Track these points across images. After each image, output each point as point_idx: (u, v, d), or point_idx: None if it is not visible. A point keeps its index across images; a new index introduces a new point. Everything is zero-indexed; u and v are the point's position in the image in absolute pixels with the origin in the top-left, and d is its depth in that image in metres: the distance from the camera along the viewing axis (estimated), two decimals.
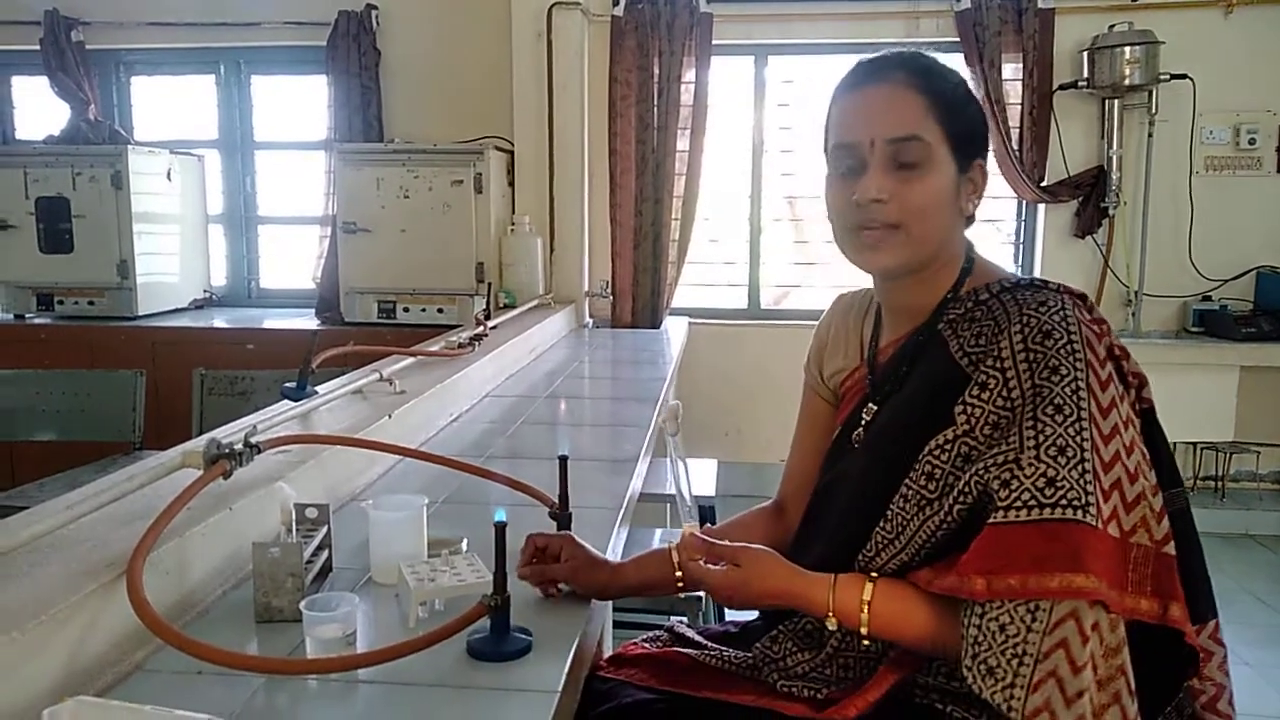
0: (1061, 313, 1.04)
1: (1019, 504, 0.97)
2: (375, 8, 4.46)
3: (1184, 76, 4.01)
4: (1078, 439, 0.97)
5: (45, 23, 4.56)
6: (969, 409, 1.04)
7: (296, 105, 4.82)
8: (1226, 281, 4.20)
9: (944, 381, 1.08)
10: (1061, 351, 1.01)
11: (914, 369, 1.16)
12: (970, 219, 1.18)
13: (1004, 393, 1.03)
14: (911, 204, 1.10)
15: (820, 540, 1.20)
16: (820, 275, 4.57)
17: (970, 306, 1.12)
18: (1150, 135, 4.12)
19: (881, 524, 1.09)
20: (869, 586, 1.06)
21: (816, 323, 1.39)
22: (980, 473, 1.01)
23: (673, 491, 2.68)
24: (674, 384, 3.32)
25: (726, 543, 1.13)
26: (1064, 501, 0.95)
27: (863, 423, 1.21)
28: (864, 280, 1.26)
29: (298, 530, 1.22)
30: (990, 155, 1.20)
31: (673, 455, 1.26)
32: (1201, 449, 4.22)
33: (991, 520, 0.98)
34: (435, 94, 4.52)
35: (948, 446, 1.05)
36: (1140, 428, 1.05)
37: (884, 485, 1.10)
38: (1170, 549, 0.99)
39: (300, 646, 1.04)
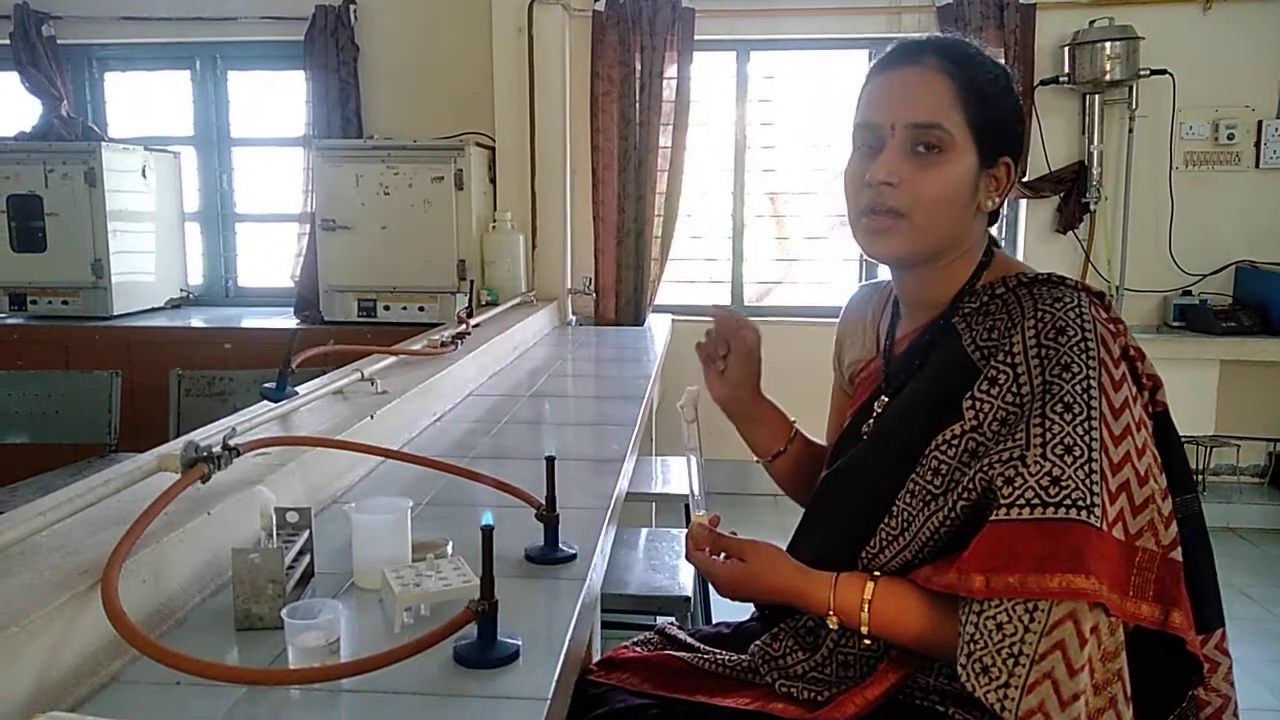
0: (1077, 309, 1.02)
1: (1022, 502, 0.95)
2: (354, 2, 4.41)
3: (1164, 72, 4.03)
4: (1086, 438, 0.95)
5: (15, 17, 4.48)
6: (978, 404, 1.02)
7: (274, 101, 4.76)
8: (1206, 276, 4.22)
9: (955, 375, 1.07)
10: (1075, 349, 0.99)
11: (927, 361, 1.14)
12: (994, 215, 1.16)
13: (1014, 388, 1.01)
14: (922, 192, 1.07)
15: (823, 530, 1.18)
16: (802, 272, 4.57)
17: (986, 300, 1.11)
18: (1130, 131, 4.13)
19: (887, 520, 1.07)
20: (870, 585, 1.04)
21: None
22: (985, 469, 0.99)
23: (658, 490, 2.67)
24: (658, 381, 3.30)
25: (735, 536, 1.11)
26: (1068, 501, 0.94)
27: (874, 414, 1.19)
28: (851, 275, 1.25)
29: (278, 535, 1.19)
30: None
31: (687, 443, 1.24)
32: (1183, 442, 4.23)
33: (994, 517, 0.96)
34: (415, 90, 4.47)
35: (955, 441, 1.03)
36: (1153, 430, 1.04)
37: (890, 478, 1.08)
38: (1177, 555, 0.98)
39: (282, 655, 1.01)
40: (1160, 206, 4.20)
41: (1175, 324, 4.20)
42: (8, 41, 4.48)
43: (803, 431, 1.40)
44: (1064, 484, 0.94)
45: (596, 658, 1.31)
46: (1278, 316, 4.00)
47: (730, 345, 1.31)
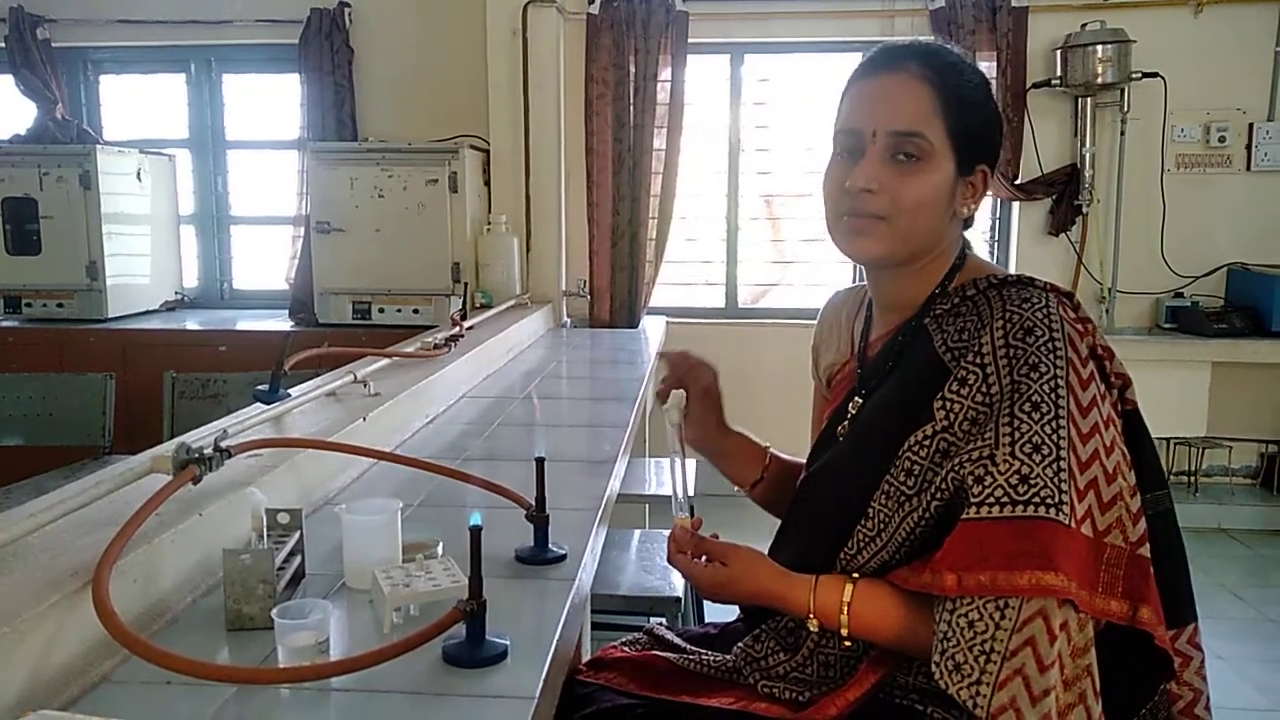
0: (1045, 310, 1.03)
1: (992, 500, 0.96)
2: (348, 5, 4.42)
3: (1155, 75, 4.05)
4: (1054, 437, 0.97)
5: (10, 20, 4.48)
6: (948, 404, 1.04)
7: (269, 104, 4.77)
8: (1198, 278, 4.24)
9: (927, 376, 1.08)
10: (1042, 349, 1.00)
11: (900, 363, 1.15)
12: (968, 221, 1.17)
13: (983, 388, 1.02)
14: (903, 198, 1.09)
15: (802, 532, 1.19)
16: (797, 274, 4.58)
17: (957, 302, 1.12)
18: (1122, 133, 4.15)
19: (863, 522, 1.09)
20: (849, 588, 1.05)
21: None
22: (956, 468, 1.00)
23: (651, 492, 2.68)
24: (652, 383, 3.31)
25: (716, 540, 1.12)
26: (1037, 499, 0.95)
27: (849, 415, 1.20)
28: (845, 278, 1.26)
29: (269, 536, 1.20)
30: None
31: (672, 446, 1.25)
32: (1174, 444, 4.26)
33: (965, 516, 0.98)
34: (409, 92, 4.48)
35: (926, 442, 1.05)
36: (1122, 428, 1.05)
37: (866, 479, 1.09)
38: (1145, 551, 0.99)
39: (272, 655, 1.02)
40: (1152, 209, 4.21)
41: (1167, 326, 4.22)
42: (2, 44, 4.49)
43: (779, 455, 1.41)
44: (1033, 482, 0.95)
45: (587, 658, 1.31)
46: (1269, 318, 4.01)
47: (687, 387, 1.32)
